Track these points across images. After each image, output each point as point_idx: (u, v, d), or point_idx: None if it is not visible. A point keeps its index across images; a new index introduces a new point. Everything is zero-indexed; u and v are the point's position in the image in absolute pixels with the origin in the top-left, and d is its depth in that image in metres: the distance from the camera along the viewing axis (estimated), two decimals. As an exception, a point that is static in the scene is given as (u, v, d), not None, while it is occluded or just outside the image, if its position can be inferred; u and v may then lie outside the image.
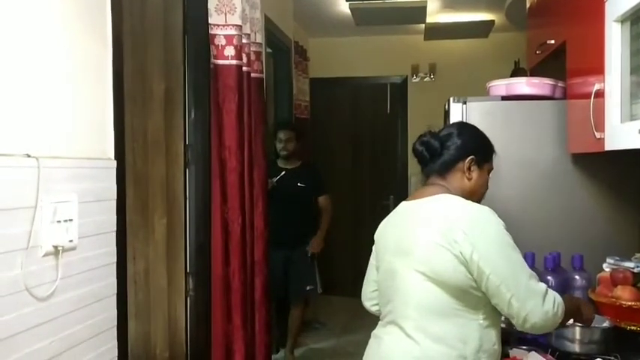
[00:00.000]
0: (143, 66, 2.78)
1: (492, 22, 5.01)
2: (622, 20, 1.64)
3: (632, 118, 1.60)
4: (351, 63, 5.75)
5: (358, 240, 5.75)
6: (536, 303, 1.47)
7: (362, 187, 5.95)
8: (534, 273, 1.53)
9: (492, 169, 1.77)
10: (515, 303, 1.47)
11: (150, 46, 2.77)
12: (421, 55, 5.71)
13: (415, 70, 5.73)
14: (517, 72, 4.33)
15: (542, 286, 1.51)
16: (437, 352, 1.52)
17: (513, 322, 1.51)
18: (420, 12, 4.73)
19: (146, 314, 2.81)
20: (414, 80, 5.75)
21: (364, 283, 1.86)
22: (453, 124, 1.88)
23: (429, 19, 4.99)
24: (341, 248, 5.87)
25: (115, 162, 1.98)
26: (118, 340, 1.97)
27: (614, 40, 1.66)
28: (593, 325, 1.79)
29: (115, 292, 1.95)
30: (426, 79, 5.70)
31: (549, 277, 2.02)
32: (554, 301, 1.50)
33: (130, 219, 2.59)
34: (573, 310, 1.63)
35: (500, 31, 5.26)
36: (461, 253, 1.49)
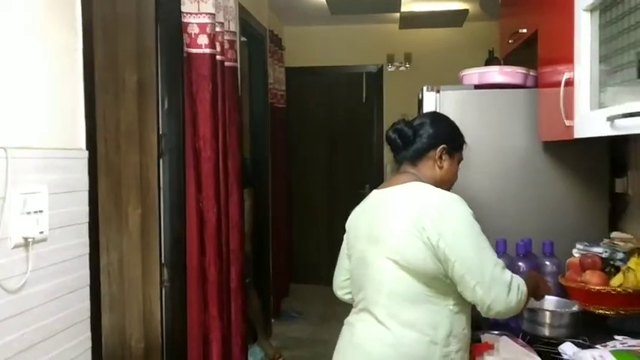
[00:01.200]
0: (115, 55, 2.74)
1: (466, 11, 5.04)
2: (591, 9, 1.66)
3: (601, 106, 1.63)
4: (327, 52, 5.73)
5: (334, 229, 5.74)
6: (500, 291, 1.49)
7: (338, 176, 5.97)
8: (501, 261, 1.55)
9: (462, 159, 1.80)
10: (479, 290, 1.49)
11: (122, 35, 2.73)
12: (396, 44, 5.72)
13: (391, 59, 5.74)
14: (491, 61, 4.37)
15: (508, 274, 1.53)
16: (408, 338, 1.55)
17: (478, 308, 1.54)
18: (395, 1, 4.74)
19: (121, 305, 2.79)
20: (389, 69, 5.76)
21: (336, 271, 1.87)
22: (426, 113, 1.91)
23: (404, 8, 5.00)
24: (317, 237, 5.89)
25: (87, 152, 1.95)
26: (92, 332, 1.96)
27: (584, 28, 1.68)
28: (563, 309, 1.83)
29: (88, 283, 1.94)
30: (401, 68, 5.72)
31: (520, 263, 2.05)
32: (518, 289, 1.52)
33: (102, 210, 2.57)
34: (533, 289, 1.65)
35: (474, 20, 5.30)
36: (429, 240, 1.51)
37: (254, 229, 4.19)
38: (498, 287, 1.50)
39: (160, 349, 2.75)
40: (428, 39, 5.66)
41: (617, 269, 1.87)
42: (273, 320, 4.73)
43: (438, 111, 2.27)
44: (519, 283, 1.54)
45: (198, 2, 2.59)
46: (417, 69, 5.62)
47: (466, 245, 1.52)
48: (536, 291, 1.68)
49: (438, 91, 2.32)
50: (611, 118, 1.43)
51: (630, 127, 1.36)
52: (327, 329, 4.53)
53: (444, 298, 1.56)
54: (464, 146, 1.79)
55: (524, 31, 2.44)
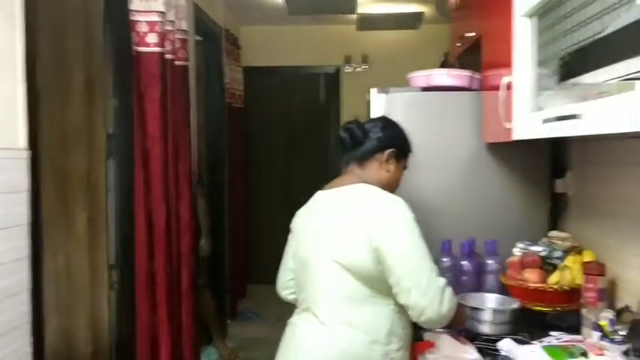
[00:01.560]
0: (61, 53, 2.68)
1: (422, 13, 5.11)
2: (530, 15, 1.71)
3: (538, 109, 1.68)
4: (285, 52, 5.73)
5: (292, 229, 5.77)
6: (434, 296, 1.52)
7: (296, 176, 5.97)
8: (436, 267, 1.58)
9: (407, 167, 1.83)
10: (414, 294, 1.51)
11: (69, 33, 2.68)
12: (354, 45, 5.75)
13: (348, 60, 5.78)
14: (446, 63, 4.44)
15: (442, 281, 1.57)
16: (350, 337, 1.56)
17: (410, 313, 1.56)
18: (352, 2, 4.77)
19: (67, 309, 2.73)
20: (346, 70, 5.79)
21: (280, 271, 1.87)
22: (379, 117, 1.93)
23: (361, 10, 5.03)
24: (275, 238, 5.86)
25: (28, 152, 1.91)
26: (33, 337, 1.91)
27: (522, 33, 1.73)
28: (503, 306, 1.87)
29: (29, 287, 1.89)
30: (358, 69, 5.75)
31: (465, 263, 2.09)
32: (450, 298, 1.56)
33: (48, 212, 2.51)
34: (459, 313, 1.69)
35: (430, 23, 5.37)
36: (371, 242, 1.53)
37: (210, 229, 4.15)
38: (433, 292, 1.52)
39: (108, 352, 2.70)
40: (385, 40, 5.72)
41: (555, 267, 1.92)
42: (229, 321, 4.70)
43: (386, 115, 2.29)
44: (452, 293, 1.58)
45: (148, 0, 2.56)
46: (374, 70, 5.67)
47: (405, 249, 1.54)
48: (459, 317, 1.70)
49: (386, 93, 2.35)
50: (546, 121, 1.48)
51: (564, 130, 1.40)
52: (283, 329, 4.52)
53: (385, 298, 1.58)
54: (410, 155, 1.83)
55: (471, 34, 2.48)
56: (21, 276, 1.85)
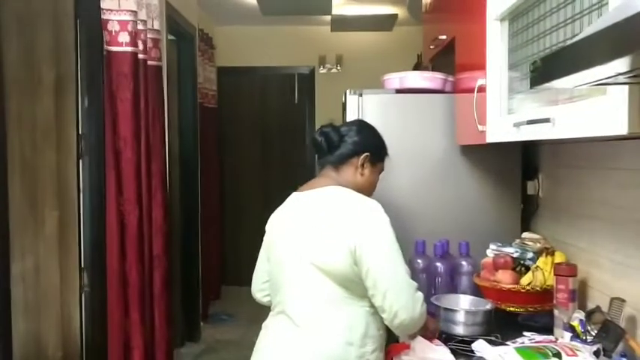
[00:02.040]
0: (31, 51, 2.62)
1: (395, 15, 5.14)
2: (501, 19, 1.73)
3: (510, 112, 1.70)
4: (259, 52, 5.71)
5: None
6: (408, 299, 1.55)
7: (270, 176, 5.96)
8: (409, 270, 1.61)
9: (383, 170, 1.84)
10: (389, 297, 1.53)
11: (38, 31, 2.62)
12: (328, 46, 5.76)
13: (322, 61, 5.78)
14: (419, 65, 4.47)
15: (415, 284, 1.60)
16: (324, 339, 1.56)
17: (384, 315, 1.57)
18: (326, 3, 4.77)
19: (37, 312, 2.67)
20: (321, 71, 5.80)
21: (254, 274, 1.86)
22: (355, 121, 1.93)
23: (335, 11, 5.04)
24: (249, 239, 5.84)
25: (-5, 153, 1.86)
26: (0, 341, 1.87)
27: (495, 37, 1.75)
28: (476, 308, 1.89)
29: (-4, 290, 1.85)
30: (333, 70, 5.76)
31: (438, 264, 2.10)
32: (422, 302, 1.59)
33: (16, 212, 2.46)
34: (429, 324, 1.72)
35: (403, 25, 5.40)
36: (347, 245, 1.53)
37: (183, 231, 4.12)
38: (407, 295, 1.55)
39: (79, 356, 2.66)
40: (359, 42, 5.73)
41: (527, 268, 1.95)
42: (202, 324, 4.66)
43: (361, 117, 2.30)
44: (422, 297, 1.61)
45: (119, -1, 2.53)
46: (348, 71, 5.69)
47: (382, 252, 1.55)
48: (424, 327, 1.70)
49: (360, 95, 2.35)
50: (517, 124, 1.49)
51: (536, 133, 1.42)
52: (256, 331, 4.46)
53: (360, 300, 1.58)
54: (386, 158, 1.83)
55: (444, 37, 2.51)
56: (-12, 280, 1.81)
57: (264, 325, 1.73)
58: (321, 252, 1.58)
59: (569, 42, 1.24)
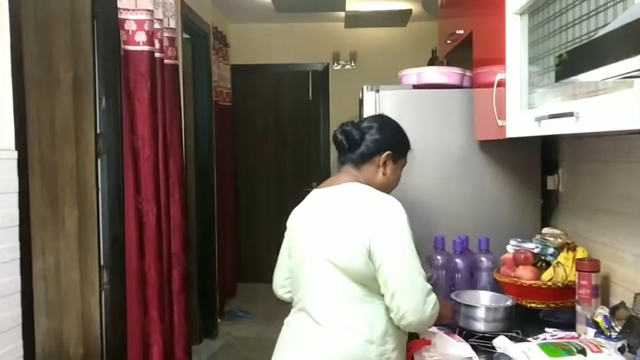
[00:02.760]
0: (49, 52, 2.65)
1: (410, 11, 5.11)
2: (521, 12, 1.71)
3: (530, 106, 1.68)
4: (273, 50, 5.71)
5: (282, 227, 5.74)
6: (418, 302, 1.50)
7: (285, 174, 5.96)
8: (424, 272, 1.56)
9: (406, 163, 1.82)
10: (398, 297, 1.50)
11: (56, 31, 2.65)
12: (342, 42, 5.74)
13: (336, 58, 5.77)
14: (434, 61, 4.45)
15: (428, 286, 1.55)
16: (345, 337, 1.55)
17: (392, 315, 1.54)
18: (340, -1, 4.76)
19: (58, 310, 2.71)
20: (335, 68, 5.78)
21: (276, 270, 1.86)
22: (376, 117, 1.88)
23: (349, 7, 5.02)
24: (264, 236, 5.86)
25: (16, 152, 1.88)
26: (24, 339, 1.89)
27: (514, 31, 1.73)
28: (497, 304, 1.88)
29: (19, 289, 1.87)
30: (347, 67, 5.75)
31: (458, 260, 2.09)
32: (433, 305, 1.54)
33: (37, 212, 2.48)
34: (444, 309, 1.71)
35: (418, 20, 5.37)
36: (362, 241, 1.52)
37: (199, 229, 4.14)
38: (417, 298, 1.50)
39: (99, 353, 2.68)
40: (373, 38, 5.71)
41: (548, 264, 1.93)
42: (219, 320, 4.68)
43: (384, 114, 2.26)
44: (436, 300, 1.56)
45: (136, -2, 2.54)
46: (362, 68, 5.67)
47: (394, 250, 1.53)
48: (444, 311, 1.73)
49: (377, 91, 2.34)
50: (538, 119, 1.48)
51: (556, 128, 1.40)
52: (274, 328, 4.48)
53: (379, 298, 1.56)
54: (408, 152, 1.82)
55: (461, 32, 2.49)
56: (12, 278, 1.83)
57: (285, 321, 1.72)
58: (337, 249, 1.57)
59: (593, 35, 1.23)
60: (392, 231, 1.54)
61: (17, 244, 1.86)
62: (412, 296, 1.50)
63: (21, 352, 1.87)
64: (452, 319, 1.81)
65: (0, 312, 1.76)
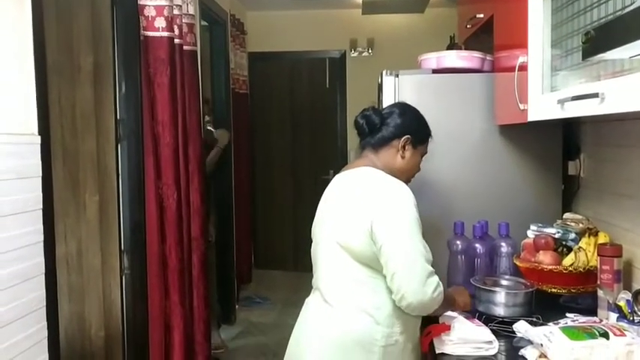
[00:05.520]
0: (69, 38, 2.67)
1: (428, -4, 5.06)
2: (543, -5, 1.69)
3: (553, 89, 1.66)
4: (290, 37, 5.69)
5: (298, 214, 5.78)
6: (418, 284, 1.51)
7: (302, 162, 5.96)
8: (429, 256, 1.56)
9: (426, 152, 1.83)
10: (397, 278, 1.51)
11: (76, 18, 2.67)
12: (359, 29, 5.71)
13: (354, 45, 5.74)
14: (452, 46, 4.40)
15: (430, 269, 1.55)
16: (352, 317, 1.58)
17: (392, 296, 1.55)
18: (357, -14, 4.72)
19: (80, 294, 2.75)
20: (352, 55, 5.75)
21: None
22: (397, 103, 1.91)
23: (366, -7, 4.99)
24: (281, 223, 5.89)
25: (39, 137, 1.90)
26: (48, 321, 1.92)
27: (537, 14, 1.71)
28: (517, 289, 1.87)
29: (43, 271, 1.90)
30: (364, 54, 5.72)
31: (477, 245, 2.09)
32: (435, 287, 1.54)
33: (59, 197, 2.52)
34: (449, 300, 1.71)
35: (435, 6, 5.32)
36: (365, 223, 1.55)
37: (218, 216, 4.15)
38: (417, 279, 1.51)
39: (120, 337, 2.72)
40: (390, 24, 5.67)
41: (569, 249, 1.92)
42: (237, 306, 4.72)
43: (398, 98, 2.28)
44: (438, 282, 1.56)
45: (155, -16, 2.54)
46: (380, 54, 5.63)
47: (396, 232, 1.54)
48: (452, 302, 1.76)
49: (397, 76, 2.33)
50: (561, 101, 1.46)
51: (579, 109, 1.39)
52: (291, 314, 4.51)
53: (384, 280, 1.57)
54: (429, 139, 1.82)
55: (481, 16, 2.46)
56: (36, 260, 1.86)
57: (306, 300, 1.78)
58: (343, 231, 1.61)
59: (619, 13, 1.21)
60: (394, 212, 1.56)
61: (41, 227, 1.89)
62: (412, 277, 1.51)
63: (45, 332, 1.90)
64: (468, 309, 1.82)
65: (26, 293, 1.79)
